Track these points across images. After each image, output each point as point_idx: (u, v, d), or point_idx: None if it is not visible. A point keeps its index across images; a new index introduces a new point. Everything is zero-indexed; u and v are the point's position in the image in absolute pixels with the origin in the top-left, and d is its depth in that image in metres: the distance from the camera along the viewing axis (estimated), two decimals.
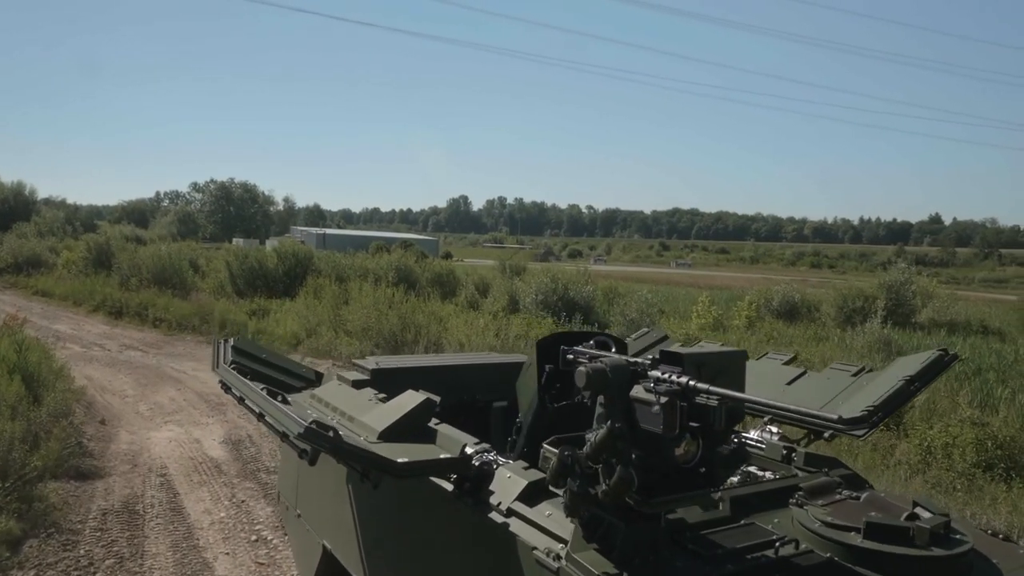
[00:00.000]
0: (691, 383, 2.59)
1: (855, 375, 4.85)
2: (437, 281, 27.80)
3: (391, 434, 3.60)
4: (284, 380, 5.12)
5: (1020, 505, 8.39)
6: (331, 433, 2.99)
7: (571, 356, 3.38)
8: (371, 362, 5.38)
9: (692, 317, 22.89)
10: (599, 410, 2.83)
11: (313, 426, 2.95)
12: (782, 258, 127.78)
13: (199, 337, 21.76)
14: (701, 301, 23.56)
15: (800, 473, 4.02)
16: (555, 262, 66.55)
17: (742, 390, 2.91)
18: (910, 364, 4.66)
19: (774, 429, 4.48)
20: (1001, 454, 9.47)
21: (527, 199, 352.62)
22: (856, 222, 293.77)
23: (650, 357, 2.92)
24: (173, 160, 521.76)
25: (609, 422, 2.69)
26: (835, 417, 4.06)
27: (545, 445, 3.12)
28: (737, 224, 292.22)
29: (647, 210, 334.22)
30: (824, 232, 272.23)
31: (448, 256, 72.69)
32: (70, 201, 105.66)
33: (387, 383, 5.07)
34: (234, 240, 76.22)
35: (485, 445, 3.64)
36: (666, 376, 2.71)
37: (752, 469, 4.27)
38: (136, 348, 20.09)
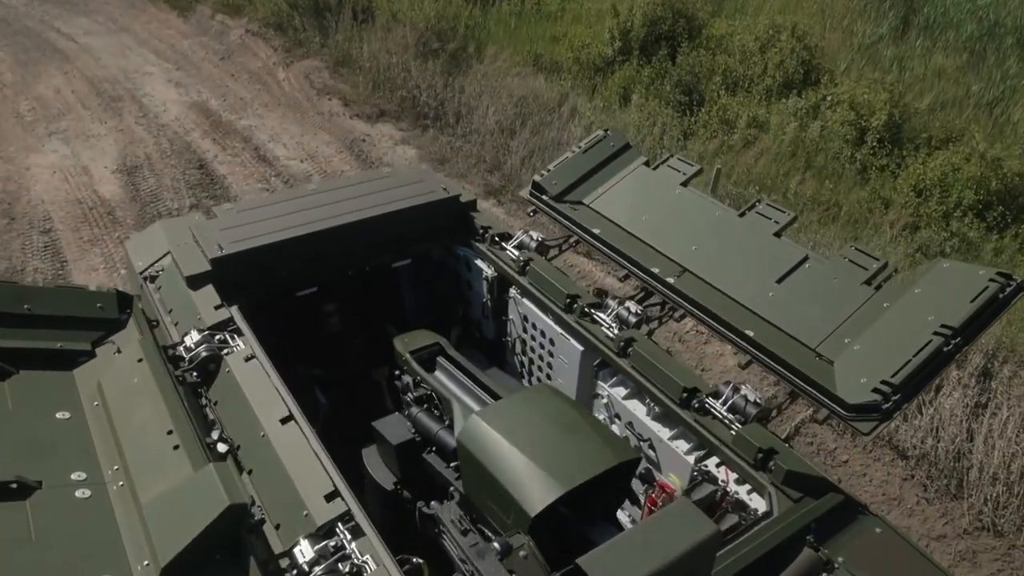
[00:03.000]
0: None
1: (874, 281, 3.61)
2: None
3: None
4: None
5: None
6: None
7: None
8: (212, 243, 3.86)
9: None
10: None
11: None
12: None
13: None
14: None
15: (773, 497, 2.99)
16: None
17: None
18: (950, 296, 3.33)
19: (750, 394, 3.31)
20: (1003, 192, 8.36)
21: None
22: None
23: None
24: None
25: None
26: (838, 401, 3.04)
27: None
28: None
29: None
30: None
31: None
32: None
33: (236, 278, 3.82)
34: None
35: None
36: None
37: (714, 468, 3.23)
38: None
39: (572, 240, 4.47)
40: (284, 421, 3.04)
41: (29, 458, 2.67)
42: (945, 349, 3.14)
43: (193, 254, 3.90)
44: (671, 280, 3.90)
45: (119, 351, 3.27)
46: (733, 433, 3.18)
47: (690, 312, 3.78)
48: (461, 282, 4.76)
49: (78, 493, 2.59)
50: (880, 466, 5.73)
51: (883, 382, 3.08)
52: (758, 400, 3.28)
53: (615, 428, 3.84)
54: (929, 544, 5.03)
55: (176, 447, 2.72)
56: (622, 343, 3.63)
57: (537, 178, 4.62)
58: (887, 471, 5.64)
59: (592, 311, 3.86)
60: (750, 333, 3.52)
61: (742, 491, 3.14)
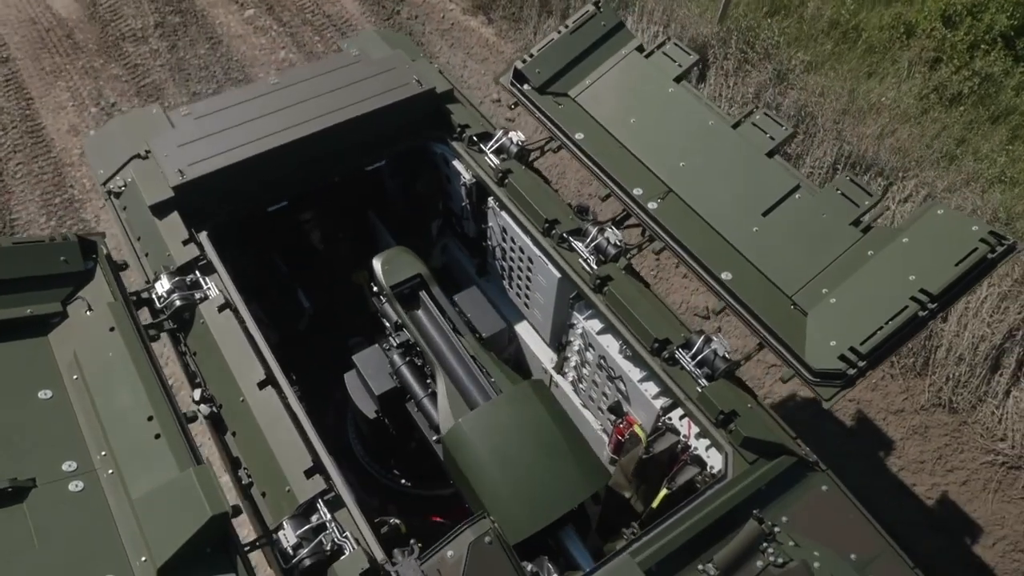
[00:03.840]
0: None
1: (862, 221, 3.48)
2: None
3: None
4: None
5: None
6: None
7: None
8: (173, 166, 3.65)
9: None
10: None
11: None
12: None
13: None
14: None
15: (730, 458, 3.14)
16: None
17: None
18: (937, 252, 3.25)
19: (720, 348, 3.33)
20: None
21: None
22: None
23: None
24: None
25: None
26: (804, 364, 3.15)
27: None
28: None
29: None
30: None
31: None
32: None
33: (202, 203, 3.71)
34: None
35: None
36: None
37: (677, 420, 3.35)
38: None
39: (555, 145, 4.19)
40: (262, 385, 3.09)
41: (20, 450, 2.75)
42: (920, 315, 3.12)
43: (154, 178, 3.71)
44: (652, 206, 3.72)
45: (90, 309, 3.23)
46: (699, 390, 3.25)
47: (669, 247, 3.67)
48: (440, 177, 4.55)
49: (71, 486, 2.69)
50: None
51: (851, 349, 3.09)
52: (727, 355, 3.30)
53: (588, 358, 3.92)
54: (887, 418, 5.36)
55: (157, 436, 2.80)
56: (598, 280, 3.56)
57: (519, 65, 4.21)
58: None
59: (571, 238, 3.73)
60: (727, 277, 3.45)
61: (702, 446, 3.29)
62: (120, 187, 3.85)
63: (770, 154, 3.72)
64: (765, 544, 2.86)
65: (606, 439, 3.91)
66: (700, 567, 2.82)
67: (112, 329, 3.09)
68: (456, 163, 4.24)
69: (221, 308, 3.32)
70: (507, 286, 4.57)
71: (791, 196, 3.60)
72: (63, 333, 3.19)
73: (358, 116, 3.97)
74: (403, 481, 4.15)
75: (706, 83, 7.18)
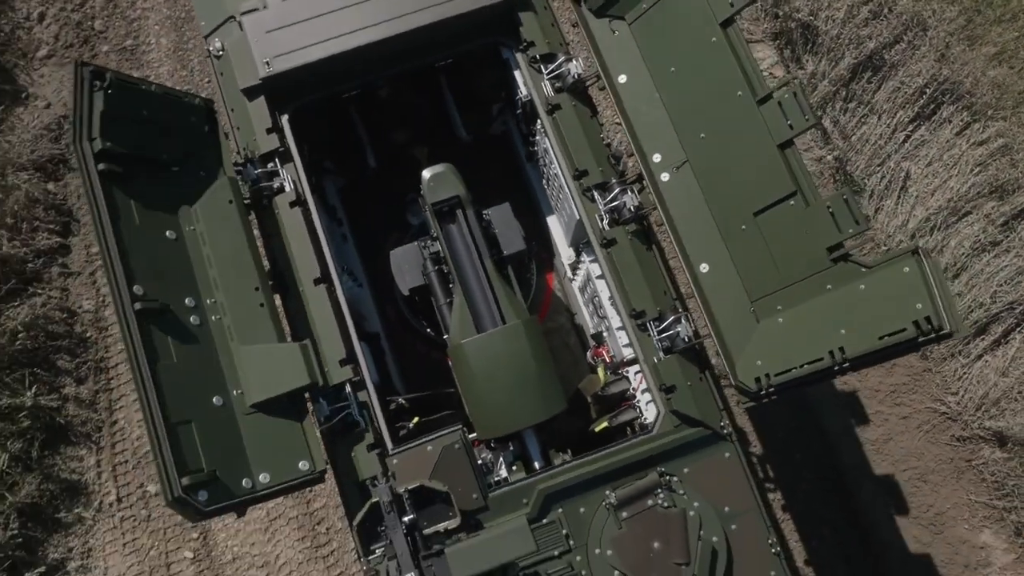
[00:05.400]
0: None
1: (836, 252, 3.66)
2: None
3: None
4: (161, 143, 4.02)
5: None
6: None
7: None
8: (262, 55, 4.11)
9: None
10: None
11: None
12: None
13: None
14: None
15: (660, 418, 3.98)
16: None
17: None
18: (876, 315, 3.52)
19: (683, 331, 3.94)
20: None
21: None
22: None
23: None
24: None
25: None
26: (732, 370, 3.92)
27: None
28: None
29: None
30: None
31: None
32: None
33: (286, 89, 4.17)
34: None
35: None
36: None
37: (633, 374, 4.15)
38: None
39: (601, 84, 4.33)
40: (317, 282, 3.93)
41: (156, 278, 3.49)
42: (831, 369, 3.57)
43: (245, 57, 4.16)
44: (665, 178, 3.98)
45: (203, 174, 3.88)
46: (655, 360, 3.96)
47: (666, 222, 4.03)
48: (500, 81, 4.81)
49: (191, 319, 3.55)
50: None
51: (767, 375, 3.67)
52: (687, 338, 3.93)
53: (585, 297, 4.58)
54: None
55: (261, 304, 3.66)
56: (605, 240, 4.10)
57: None
58: None
59: (594, 191, 4.16)
60: (703, 269, 3.88)
61: (644, 399, 4.12)
62: (219, 51, 4.32)
63: (783, 145, 3.76)
64: (659, 490, 3.80)
65: (589, 353, 4.75)
66: (607, 492, 3.81)
67: (231, 202, 3.80)
68: (517, 73, 4.50)
69: (292, 204, 4.02)
70: (545, 184, 5.07)
71: (785, 201, 3.77)
72: (184, 186, 3.82)
73: (438, 21, 4.19)
74: (429, 331, 5.09)
75: None
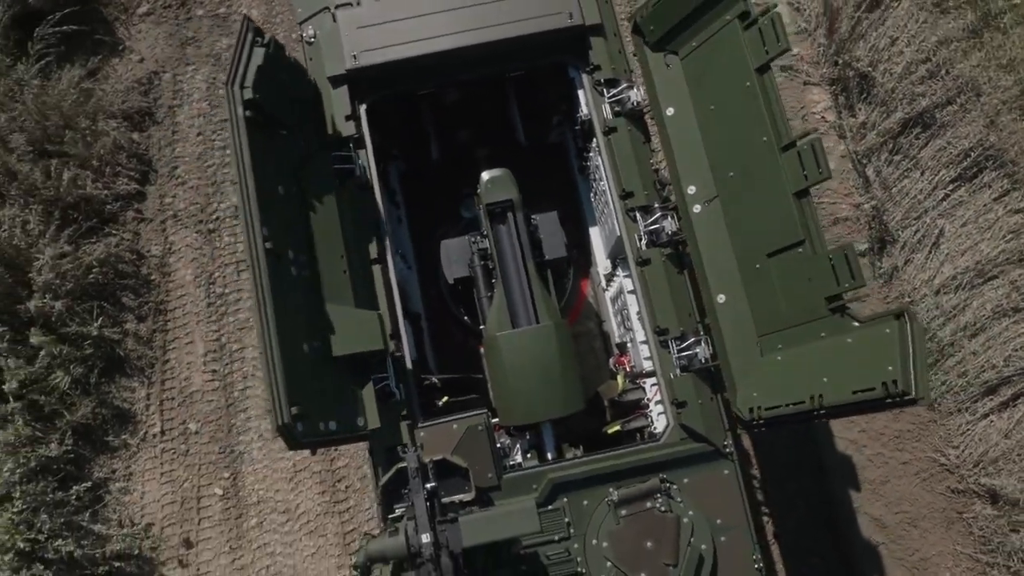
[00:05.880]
0: None
1: (834, 303, 3.87)
2: None
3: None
4: None
5: None
6: None
7: None
8: (350, 49, 4.51)
9: None
10: None
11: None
12: None
13: None
14: None
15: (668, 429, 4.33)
16: None
17: None
18: (856, 368, 3.72)
19: (701, 353, 4.28)
20: None
21: None
22: None
23: None
24: None
25: None
26: (731, 398, 4.24)
27: None
28: None
29: None
30: None
31: None
32: None
33: (367, 81, 4.59)
34: None
35: None
36: None
37: (649, 385, 4.49)
38: None
39: (651, 114, 4.65)
40: (373, 262, 4.35)
41: (273, 226, 3.76)
42: (812, 412, 3.79)
43: (335, 47, 4.57)
44: (696, 209, 4.28)
45: (302, 143, 4.27)
46: (672, 375, 4.31)
47: (692, 249, 4.30)
48: (562, 96, 5.16)
49: (293, 270, 3.89)
50: None
51: (759, 408, 3.96)
52: (706, 359, 4.27)
53: (615, 308, 4.93)
54: None
55: (344, 272, 4.11)
56: (641, 258, 4.44)
57: (638, 19, 4.51)
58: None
59: (637, 212, 4.50)
60: (721, 299, 4.19)
61: (656, 410, 4.46)
62: (311, 37, 4.75)
63: (799, 194, 3.96)
64: (659, 495, 4.16)
65: (611, 359, 5.10)
66: (611, 490, 4.17)
67: (326, 175, 4.30)
68: (580, 93, 4.85)
69: (362, 187, 4.44)
70: (592, 197, 5.42)
71: (795, 247, 3.99)
72: (291, 148, 4.21)
73: (517, 37, 4.56)
74: (467, 319, 5.48)
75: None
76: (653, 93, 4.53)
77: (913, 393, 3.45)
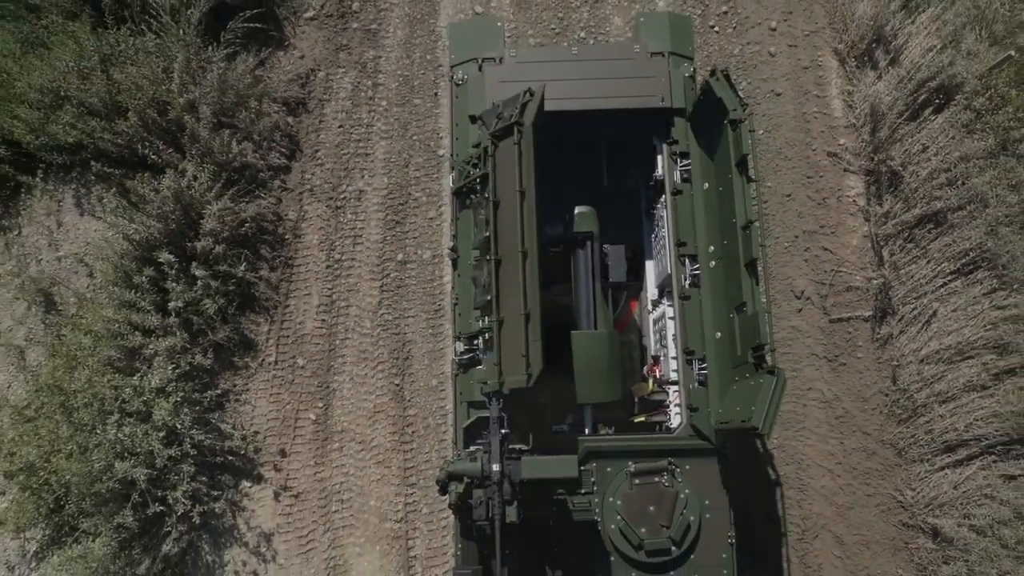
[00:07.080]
0: None
1: (756, 352, 5.22)
2: None
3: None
4: None
5: None
6: None
7: None
8: (489, 96, 5.98)
9: None
10: None
11: None
12: None
13: None
14: None
15: (682, 427, 5.76)
16: None
17: None
18: (743, 404, 5.15)
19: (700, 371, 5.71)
20: None
21: None
22: None
23: None
24: None
25: None
26: (713, 412, 5.55)
27: None
28: None
29: None
30: None
31: None
32: None
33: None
34: None
35: None
36: None
37: (672, 391, 5.91)
38: None
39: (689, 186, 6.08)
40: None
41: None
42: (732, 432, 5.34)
43: (478, 92, 6.05)
44: (712, 264, 5.78)
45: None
46: (691, 386, 5.72)
47: (703, 293, 5.84)
48: (642, 159, 6.59)
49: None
50: None
51: (717, 421, 5.48)
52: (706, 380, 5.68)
53: (656, 328, 6.35)
54: (855, 432, 7.53)
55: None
56: (683, 295, 5.85)
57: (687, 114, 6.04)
58: None
59: (686, 258, 5.91)
60: (717, 336, 5.69)
61: (674, 411, 5.89)
62: (461, 79, 6.24)
63: (747, 265, 5.35)
64: (665, 473, 5.58)
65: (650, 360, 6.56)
66: (629, 463, 5.61)
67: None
68: (659, 158, 6.26)
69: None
70: (653, 238, 6.84)
71: (743, 309, 5.40)
72: None
73: (616, 110, 6.00)
74: None
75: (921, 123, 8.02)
76: (697, 170, 5.98)
77: (759, 428, 4.79)
